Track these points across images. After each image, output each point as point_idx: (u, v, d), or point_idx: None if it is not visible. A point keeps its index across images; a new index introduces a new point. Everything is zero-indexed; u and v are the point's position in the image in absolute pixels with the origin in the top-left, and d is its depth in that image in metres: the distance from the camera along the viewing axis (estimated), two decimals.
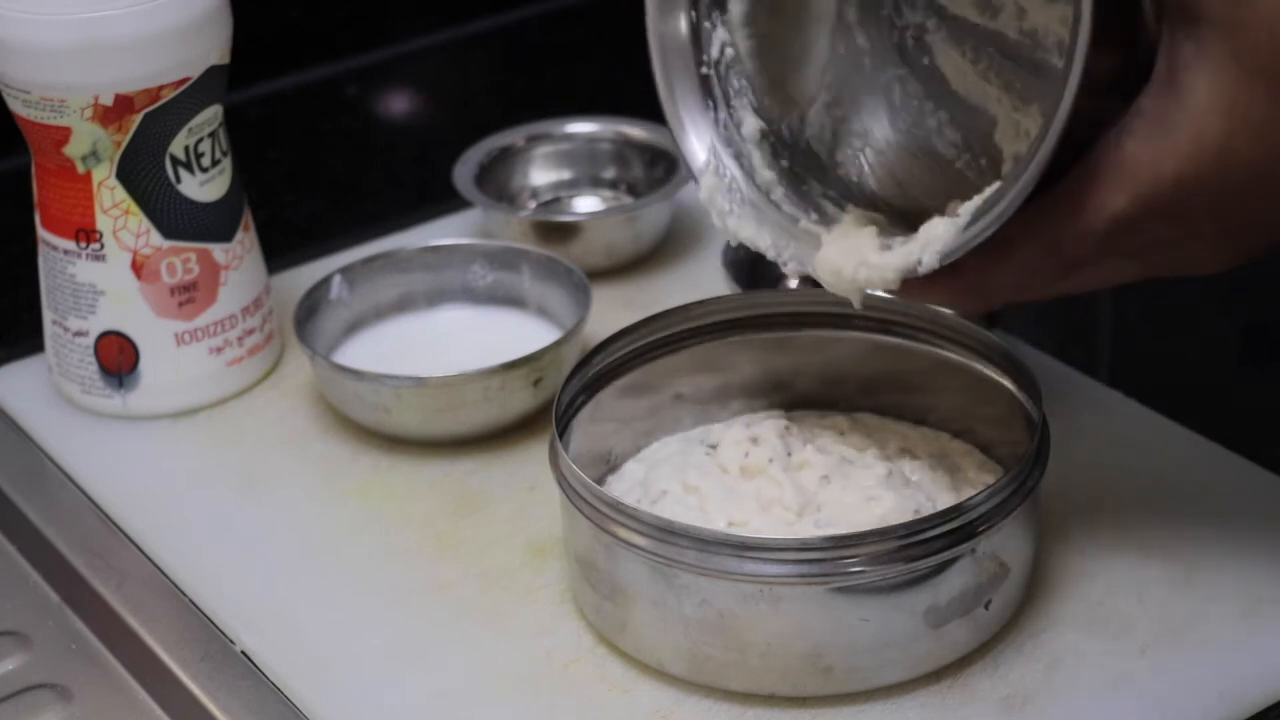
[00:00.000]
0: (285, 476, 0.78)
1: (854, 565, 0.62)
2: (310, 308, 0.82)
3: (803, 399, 0.75)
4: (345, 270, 0.84)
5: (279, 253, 0.89)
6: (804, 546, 0.62)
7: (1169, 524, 0.72)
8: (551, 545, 0.72)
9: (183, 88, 0.77)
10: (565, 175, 0.95)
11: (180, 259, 0.80)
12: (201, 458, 0.79)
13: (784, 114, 0.71)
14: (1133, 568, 0.70)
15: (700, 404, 0.75)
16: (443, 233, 0.92)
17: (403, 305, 0.85)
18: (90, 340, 0.80)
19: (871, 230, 0.67)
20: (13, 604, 0.75)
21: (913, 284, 0.64)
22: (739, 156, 0.70)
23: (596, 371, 0.72)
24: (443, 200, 0.94)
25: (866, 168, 0.71)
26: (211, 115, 0.79)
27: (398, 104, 1.16)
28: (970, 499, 0.63)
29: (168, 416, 0.81)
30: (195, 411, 0.82)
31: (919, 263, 0.62)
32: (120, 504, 0.77)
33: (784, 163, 0.71)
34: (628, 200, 0.93)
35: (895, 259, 0.64)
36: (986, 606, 0.65)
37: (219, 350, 0.81)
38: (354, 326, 0.84)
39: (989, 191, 0.61)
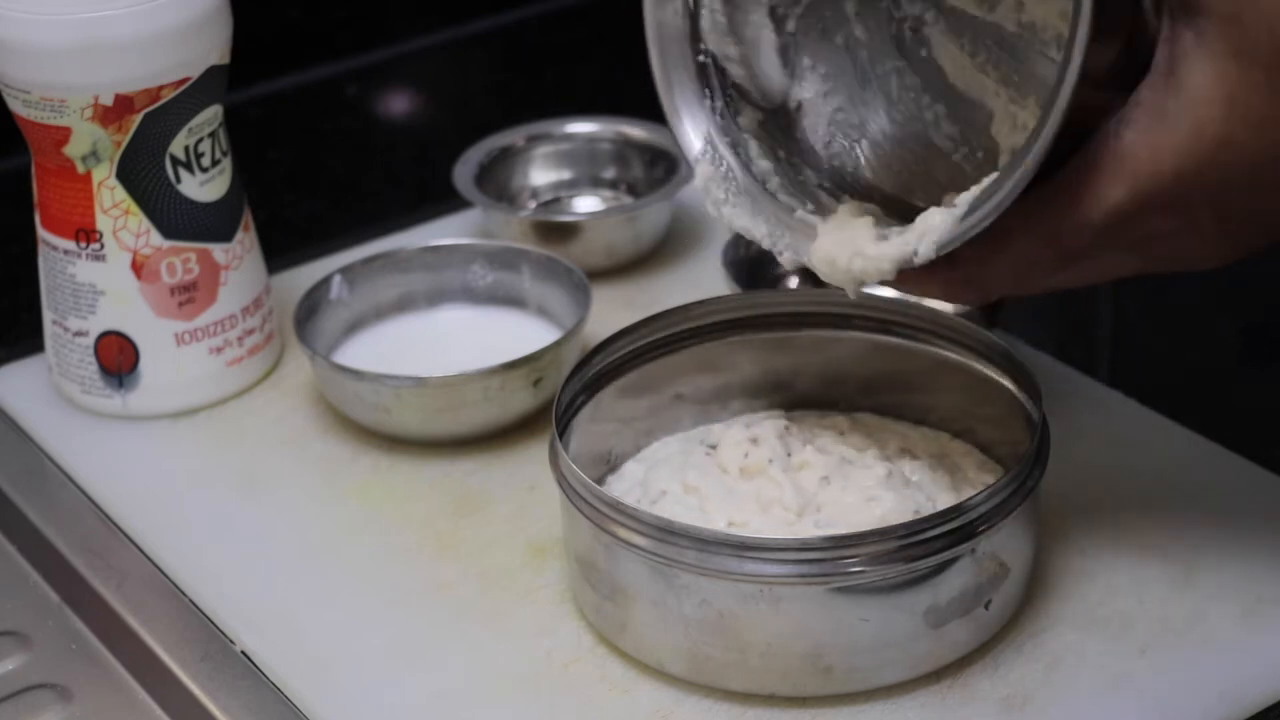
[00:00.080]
0: (285, 476, 0.78)
1: (854, 565, 0.62)
2: (310, 308, 0.82)
3: (803, 399, 0.75)
4: (345, 270, 0.84)
5: (279, 253, 0.89)
6: (804, 546, 0.62)
7: (1169, 524, 0.72)
8: (551, 545, 0.72)
9: (183, 88, 0.77)
10: (565, 175, 0.95)
11: (180, 259, 0.80)
12: (201, 458, 0.79)
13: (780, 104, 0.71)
14: (1133, 568, 0.70)
15: (700, 404, 0.75)
16: (443, 233, 0.92)
17: (403, 305, 0.85)
18: (90, 340, 0.80)
19: (867, 221, 0.67)
20: (13, 604, 0.75)
21: (909, 275, 0.64)
22: (735, 146, 0.70)
23: (596, 371, 0.72)
24: (443, 200, 0.94)
25: (863, 159, 0.71)
26: (211, 115, 0.79)
27: (398, 104, 1.16)
28: (970, 499, 0.63)
29: (168, 416, 0.81)
30: (195, 411, 0.82)
31: (915, 253, 0.62)
32: (120, 504, 0.77)
33: (780, 153, 0.71)
34: (628, 200, 0.93)
35: (891, 249, 0.64)
36: (986, 606, 0.65)
37: (219, 350, 0.81)
38: (354, 326, 0.84)
39: (986, 182, 0.60)
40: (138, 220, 0.78)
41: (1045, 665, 0.66)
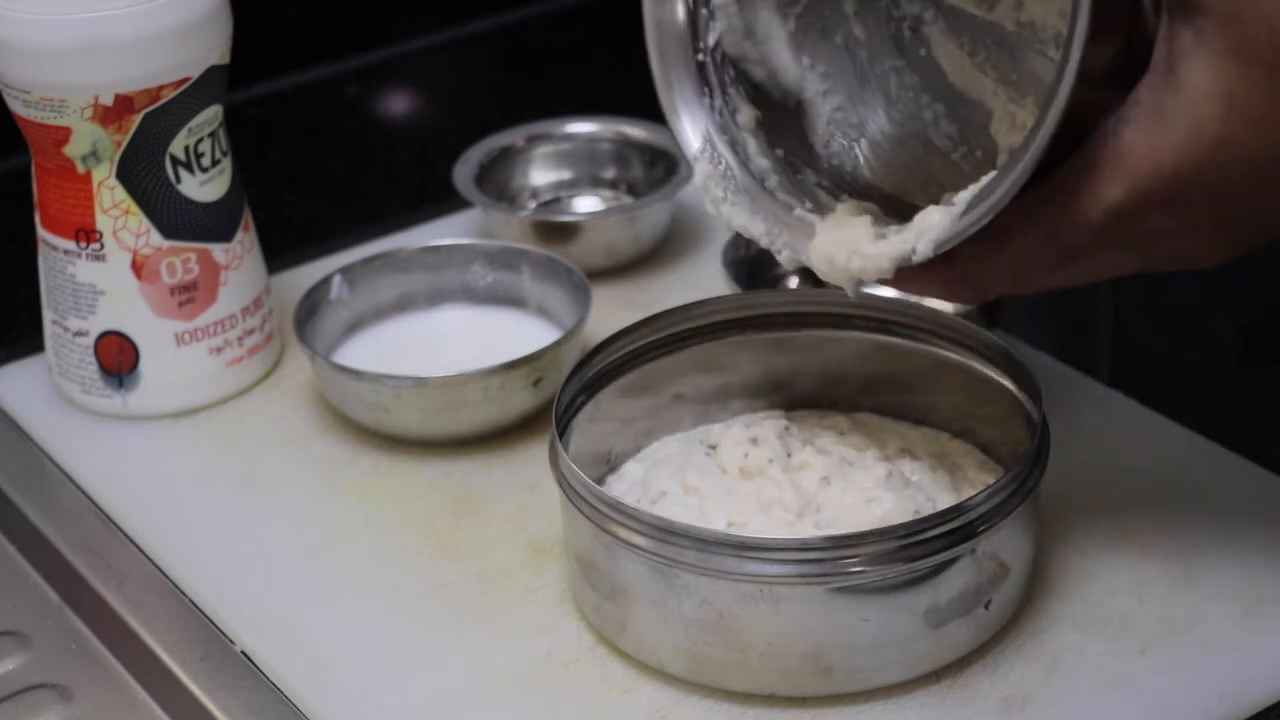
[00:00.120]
0: (285, 476, 0.78)
1: (854, 565, 0.62)
2: (310, 308, 0.82)
3: (803, 399, 0.75)
4: (345, 270, 0.84)
5: (279, 253, 0.89)
6: (804, 546, 0.62)
7: (1169, 524, 0.72)
8: (551, 545, 0.72)
9: (183, 88, 0.77)
10: (565, 175, 0.95)
11: (180, 259, 0.80)
12: (201, 458, 0.79)
13: (779, 103, 0.71)
14: (1132, 567, 0.70)
15: (700, 404, 0.75)
16: (443, 233, 0.92)
17: (403, 305, 0.85)
18: (90, 340, 0.80)
19: (865, 219, 0.67)
20: (13, 604, 0.75)
21: (907, 273, 0.64)
22: (734, 144, 0.70)
23: (596, 371, 0.72)
24: (443, 200, 0.94)
25: (862, 159, 0.71)
26: (211, 115, 0.79)
27: (398, 104, 1.16)
28: (970, 499, 0.63)
29: (168, 416, 0.81)
30: (195, 411, 0.82)
31: (913, 251, 0.62)
32: (120, 504, 0.77)
33: (779, 152, 0.71)
34: (628, 200, 0.93)
35: (889, 248, 0.64)
36: (986, 606, 0.65)
37: (219, 350, 0.81)
38: (354, 326, 0.84)
39: (984, 181, 0.60)
40: (138, 220, 0.78)
41: (1045, 665, 0.66)
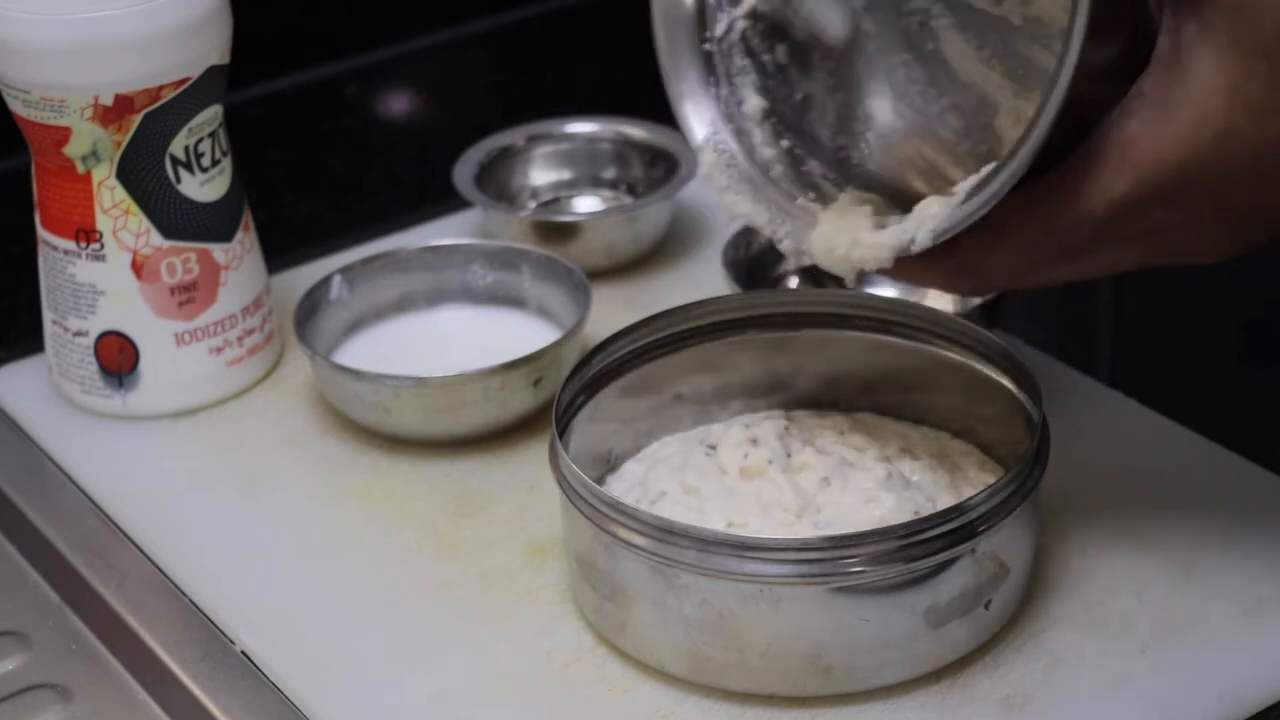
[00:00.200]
0: (285, 476, 0.78)
1: (854, 565, 0.62)
2: (310, 308, 0.82)
3: (803, 399, 0.75)
4: (345, 270, 0.84)
5: (279, 253, 0.89)
6: (804, 546, 0.62)
7: (1169, 524, 0.72)
8: (551, 545, 0.72)
9: (183, 88, 0.77)
10: (565, 175, 0.95)
11: (180, 259, 0.80)
12: (201, 458, 0.79)
13: (787, 94, 0.71)
14: (1132, 567, 0.70)
15: (700, 404, 0.75)
16: (443, 233, 0.92)
17: (403, 305, 0.85)
18: (90, 340, 0.80)
19: (867, 209, 0.67)
20: (13, 604, 0.75)
21: (907, 262, 0.63)
22: (739, 134, 0.70)
23: (596, 371, 0.72)
24: (443, 200, 0.94)
25: (867, 151, 0.71)
26: (211, 115, 0.79)
27: (398, 104, 1.16)
28: (970, 499, 0.63)
29: (168, 416, 0.81)
30: (195, 411, 0.82)
31: (913, 241, 0.62)
32: (120, 504, 0.77)
33: (784, 143, 0.71)
34: (628, 200, 0.93)
35: (889, 237, 0.64)
36: (986, 606, 0.65)
37: (219, 350, 0.81)
38: (354, 326, 0.84)
39: (984, 171, 0.60)
40: (138, 220, 0.78)
41: (1045, 665, 0.66)
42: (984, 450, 0.73)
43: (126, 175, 0.78)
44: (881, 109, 0.70)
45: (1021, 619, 0.68)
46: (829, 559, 0.62)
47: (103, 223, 0.78)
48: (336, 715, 0.66)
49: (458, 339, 0.84)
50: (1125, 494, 0.73)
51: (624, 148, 0.94)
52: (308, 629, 0.70)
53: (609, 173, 0.95)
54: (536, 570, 0.72)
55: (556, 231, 0.88)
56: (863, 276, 0.67)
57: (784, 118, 0.71)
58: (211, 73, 0.78)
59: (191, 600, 0.72)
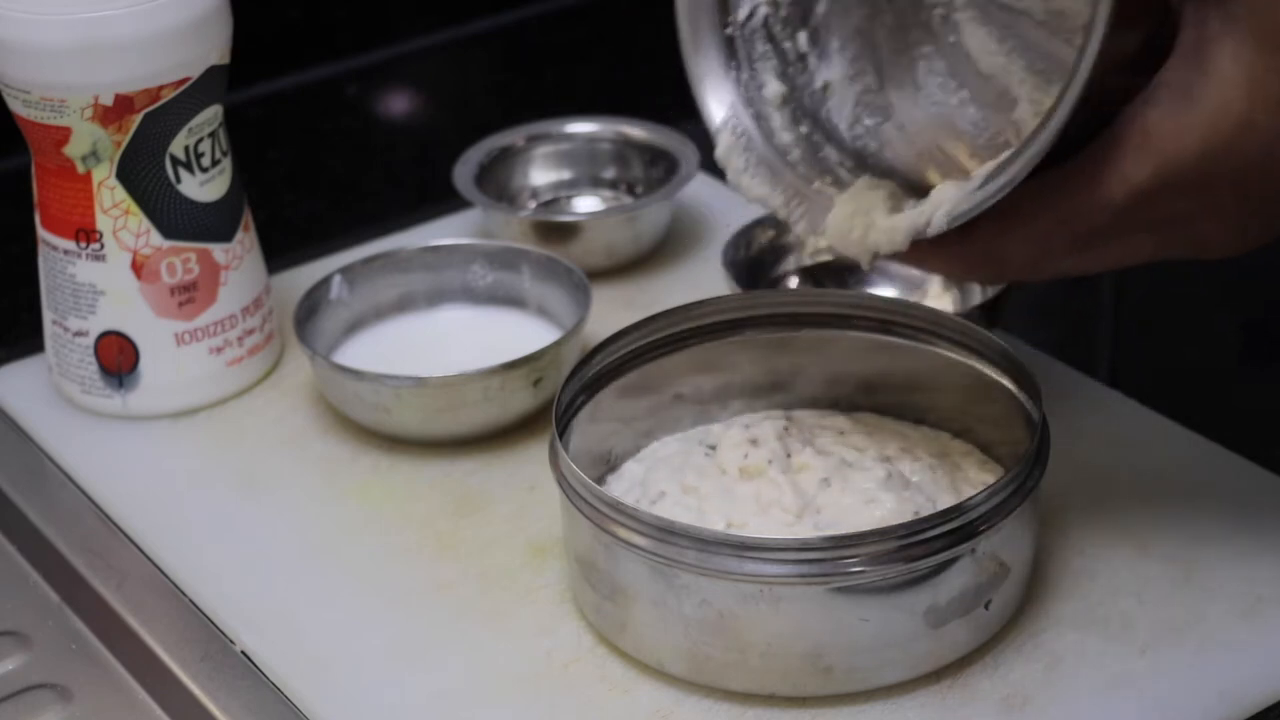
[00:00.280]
0: (285, 476, 0.78)
1: (854, 565, 0.62)
2: (310, 308, 0.82)
3: (803, 399, 0.75)
4: (345, 270, 0.84)
5: (279, 253, 0.89)
6: (804, 546, 0.62)
7: (1169, 524, 0.72)
8: (551, 545, 0.72)
9: (183, 88, 0.77)
10: (565, 175, 0.95)
11: (180, 259, 0.80)
12: (201, 458, 0.79)
13: (806, 81, 0.71)
14: (1132, 567, 0.70)
15: (700, 404, 0.75)
16: (443, 233, 0.92)
17: (403, 305, 0.85)
18: (90, 340, 0.80)
19: (882, 193, 0.67)
20: (13, 604, 0.75)
21: (922, 247, 0.63)
22: (758, 118, 0.70)
23: (596, 371, 0.72)
24: (443, 200, 0.94)
25: (885, 141, 0.71)
26: (211, 115, 0.79)
27: (398, 104, 1.16)
28: (970, 499, 0.63)
29: (168, 416, 0.81)
30: (195, 411, 0.82)
31: (928, 224, 0.62)
32: (120, 504, 0.77)
33: (803, 129, 0.71)
34: (628, 200, 0.93)
35: (904, 220, 0.63)
36: (986, 606, 0.65)
37: (219, 350, 0.81)
38: (354, 326, 0.84)
39: (1003, 156, 0.60)
40: (138, 220, 0.78)
41: (1045, 665, 0.66)
42: (984, 450, 0.73)
43: (126, 175, 0.78)
44: (901, 100, 0.70)
45: (1021, 619, 0.68)
46: (829, 559, 0.62)
47: (103, 223, 0.78)
48: (336, 715, 0.66)
49: (458, 339, 0.84)
50: (1125, 494, 0.73)
51: (624, 148, 0.94)
52: (308, 629, 0.70)
53: (609, 173, 0.95)
54: (536, 570, 0.72)
55: (556, 231, 0.88)
56: (876, 260, 0.67)
57: (802, 104, 0.71)
58: (211, 73, 0.78)
59: (191, 600, 0.72)
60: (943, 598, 0.64)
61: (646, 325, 0.73)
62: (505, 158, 0.94)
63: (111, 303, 0.79)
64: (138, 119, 0.77)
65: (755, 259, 0.85)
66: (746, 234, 0.85)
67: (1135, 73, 0.59)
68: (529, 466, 0.77)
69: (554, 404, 0.69)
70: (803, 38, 0.71)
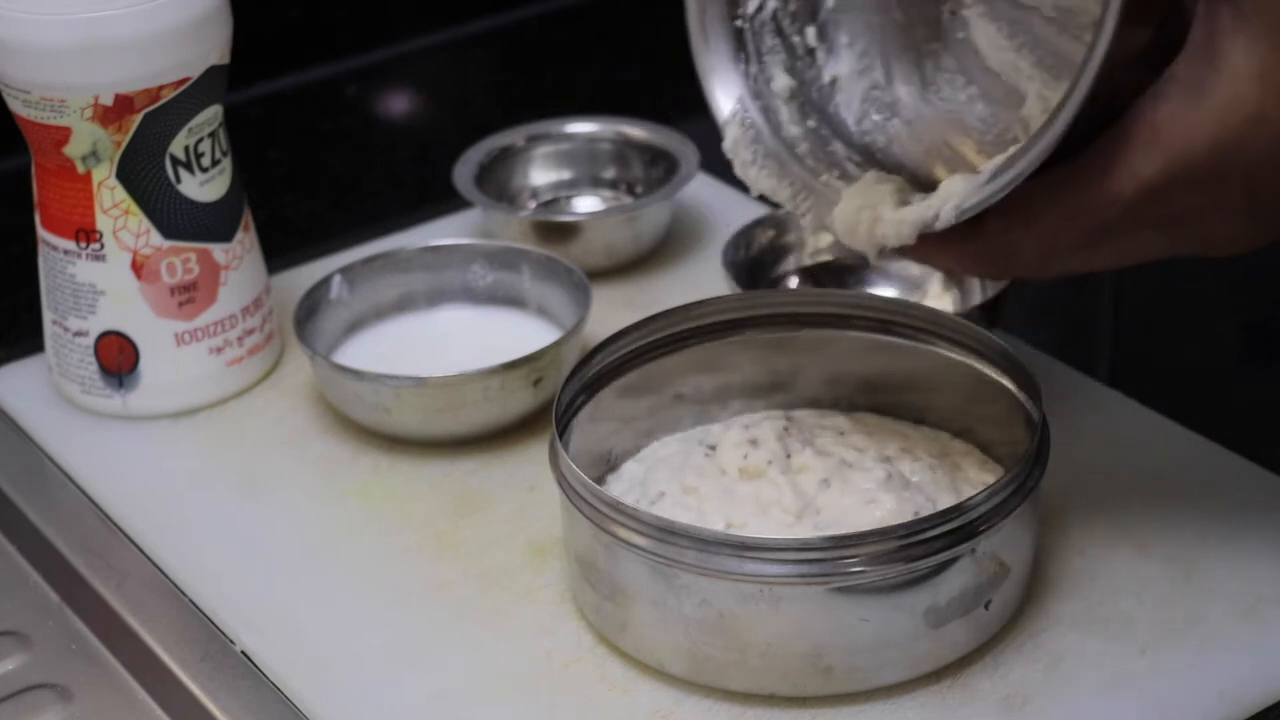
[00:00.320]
0: (285, 476, 0.78)
1: (854, 565, 0.62)
2: (310, 308, 0.82)
3: (803, 399, 0.75)
4: (345, 270, 0.84)
5: (279, 253, 0.89)
6: (804, 546, 0.62)
7: (1169, 524, 0.72)
8: (551, 545, 0.72)
9: (183, 88, 0.77)
10: (565, 175, 0.95)
11: (180, 259, 0.80)
12: (201, 458, 0.79)
13: (815, 76, 0.71)
14: (1132, 567, 0.70)
15: (700, 404, 0.75)
16: (443, 233, 0.92)
17: (403, 305, 0.85)
18: (90, 340, 0.80)
19: (890, 187, 0.67)
20: (13, 604, 0.75)
21: (929, 241, 0.63)
22: (766, 111, 0.70)
23: (596, 371, 0.72)
24: (443, 200, 0.94)
25: (893, 137, 0.71)
26: (211, 115, 0.79)
27: (398, 104, 1.16)
28: (970, 499, 0.63)
29: (168, 416, 0.81)
30: (195, 411, 0.82)
31: (936, 217, 0.62)
32: (120, 504, 0.77)
33: (811, 123, 0.71)
34: (628, 200, 0.93)
35: (912, 213, 0.63)
36: (986, 606, 0.65)
37: (219, 350, 0.81)
38: (354, 326, 0.84)
39: (1012, 150, 0.60)
40: (138, 220, 0.78)
41: (1045, 665, 0.66)
42: (984, 450, 0.73)
43: (126, 175, 0.78)
44: (909, 95, 0.70)
45: (1021, 619, 0.68)
46: (829, 559, 0.62)
47: (103, 223, 0.78)
48: (336, 715, 0.66)
49: (458, 339, 0.84)
50: (1125, 494, 0.73)
51: (624, 148, 0.94)
52: (308, 629, 0.70)
53: (609, 173, 0.95)
54: (536, 570, 0.72)
55: (556, 231, 0.88)
56: (883, 255, 0.67)
57: (811, 99, 0.71)
58: (211, 73, 0.78)
59: (191, 600, 0.72)
60: (943, 598, 0.64)
61: (646, 325, 0.73)
62: (505, 158, 0.94)
63: (111, 303, 0.79)
64: (138, 119, 0.77)
65: (755, 259, 0.85)
66: (746, 234, 0.85)
67: (1145, 68, 0.59)
68: (529, 466, 0.77)
69: (554, 404, 0.69)
70: (811, 32, 0.71)
